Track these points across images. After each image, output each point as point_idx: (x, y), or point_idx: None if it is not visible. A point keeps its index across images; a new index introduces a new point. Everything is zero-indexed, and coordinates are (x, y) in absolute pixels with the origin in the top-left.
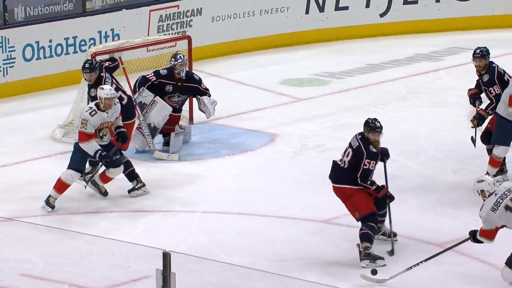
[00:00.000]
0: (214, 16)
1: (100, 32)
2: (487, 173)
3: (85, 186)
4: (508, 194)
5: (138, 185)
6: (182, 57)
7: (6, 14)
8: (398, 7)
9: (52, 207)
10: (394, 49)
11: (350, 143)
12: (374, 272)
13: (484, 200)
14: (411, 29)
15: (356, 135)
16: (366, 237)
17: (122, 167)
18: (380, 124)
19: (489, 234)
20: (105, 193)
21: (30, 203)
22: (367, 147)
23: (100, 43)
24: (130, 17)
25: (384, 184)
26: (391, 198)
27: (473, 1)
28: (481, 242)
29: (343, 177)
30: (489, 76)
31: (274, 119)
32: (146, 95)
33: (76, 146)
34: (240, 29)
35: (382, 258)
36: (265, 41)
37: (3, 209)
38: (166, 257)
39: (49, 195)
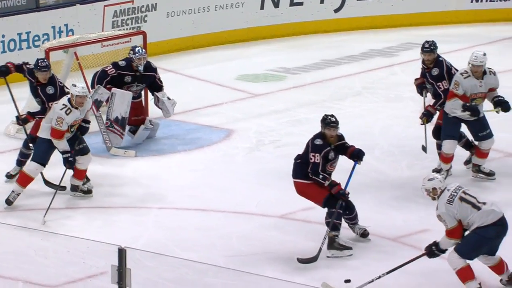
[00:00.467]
0: (169, 11)
1: (54, 27)
2: (437, 169)
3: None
4: (460, 189)
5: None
6: (140, 50)
7: None
8: (353, 2)
9: (10, 203)
10: (349, 45)
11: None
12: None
13: (434, 199)
14: (365, 24)
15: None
16: (331, 226)
17: (90, 155)
18: (335, 119)
19: (456, 232)
20: (88, 191)
21: None
22: (312, 141)
23: (54, 38)
24: (84, 12)
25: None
26: (343, 195)
27: None
28: (438, 255)
29: (296, 171)
30: (438, 70)
31: (230, 114)
32: (101, 93)
33: (41, 139)
34: (195, 24)
35: (350, 248)
36: (220, 37)
37: None
38: (121, 253)
39: (12, 190)
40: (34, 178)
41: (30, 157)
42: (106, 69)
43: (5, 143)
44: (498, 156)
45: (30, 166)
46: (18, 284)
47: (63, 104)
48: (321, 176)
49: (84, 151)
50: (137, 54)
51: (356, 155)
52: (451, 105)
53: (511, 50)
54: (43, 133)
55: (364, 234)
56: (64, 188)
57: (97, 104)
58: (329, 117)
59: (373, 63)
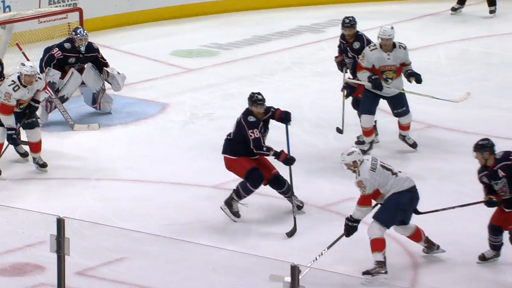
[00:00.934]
0: None
1: None
2: (360, 141)
3: None
4: (377, 159)
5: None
6: (81, 31)
7: None
8: None
9: None
10: (278, 22)
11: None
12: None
13: (354, 172)
14: (294, 2)
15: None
16: (236, 191)
17: (38, 130)
18: (262, 97)
19: (368, 200)
20: (43, 165)
21: None
22: (245, 119)
23: None
24: None
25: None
26: (291, 160)
27: None
28: (355, 227)
29: (226, 147)
30: (360, 44)
31: (165, 89)
32: (53, 74)
33: None
34: (130, 1)
35: (238, 216)
36: (155, 14)
37: None
38: (60, 223)
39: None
40: (3, 142)
41: None
42: (53, 53)
43: None
44: (420, 127)
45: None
46: None
47: (12, 81)
48: (264, 149)
49: (32, 125)
50: (78, 35)
51: (284, 118)
52: (359, 76)
53: (432, 26)
54: None
55: (299, 207)
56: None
57: (51, 85)
58: (256, 95)
59: (301, 39)
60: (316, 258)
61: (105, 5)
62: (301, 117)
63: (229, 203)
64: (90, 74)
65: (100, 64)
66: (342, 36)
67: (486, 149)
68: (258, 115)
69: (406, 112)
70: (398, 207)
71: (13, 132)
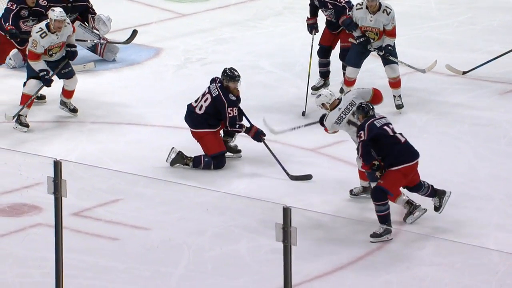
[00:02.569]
0: None
1: None
2: (342, 89)
3: (14, 117)
4: (351, 108)
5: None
6: None
7: None
8: None
9: (27, 125)
10: None
11: (209, 89)
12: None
13: (328, 112)
14: None
15: (215, 82)
16: (196, 160)
17: (76, 78)
18: (238, 74)
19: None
20: (74, 110)
21: None
22: (226, 96)
23: None
24: None
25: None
26: (262, 134)
27: None
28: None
29: (200, 122)
30: None
31: (158, 33)
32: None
33: (28, 63)
34: None
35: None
36: None
37: None
38: (57, 165)
39: (19, 114)
40: (34, 95)
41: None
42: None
43: None
44: (410, 71)
45: (28, 84)
46: None
47: (40, 28)
48: (237, 126)
49: (69, 74)
50: None
51: (255, 139)
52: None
53: None
54: None
55: (238, 151)
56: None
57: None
58: (233, 71)
59: None
60: (294, 128)
61: None
62: (293, 61)
63: (182, 163)
64: (79, 33)
65: (89, 13)
66: None
67: None
68: (234, 91)
69: (389, 61)
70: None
71: (45, 73)
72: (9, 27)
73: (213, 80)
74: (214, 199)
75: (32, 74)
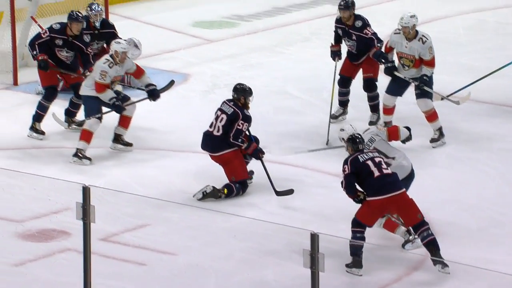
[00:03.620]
0: None
1: None
2: (373, 122)
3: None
4: (370, 144)
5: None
6: (96, 7)
7: None
8: None
9: (89, 158)
10: None
11: (221, 110)
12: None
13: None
14: None
15: (226, 102)
16: (230, 188)
17: (135, 104)
18: (250, 88)
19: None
20: (129, 144)
21: None
22: (242, 110)
23: None
24: None
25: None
26: (261, 151)
27: None
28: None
29: (220, 144)
30: (362, 22)
31: (186, 59)
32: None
33: (87, 97)
34: None
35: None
36: None
37: None
38: (85, 191)
39: (77, 149)
40: (94, 132)
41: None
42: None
43: None
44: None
45: (88, 122)
46: None
47: (106, 59)
48: (240, 140)
49: (126, 99)
50: (93, 11)
51: (252, 156)
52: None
53: None
54: (86, 90)
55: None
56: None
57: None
58: (245, 85)
59: (321, 11)
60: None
61: None
62: (320, 87)
63: (216, 197)
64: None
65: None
66: (339, 21)
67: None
68: (248, 106)
69: (420, 95)
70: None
71: (114, 100)
72: (40, 57)
73: (223, 104)
74: (240, 224)
75: (91, 112)
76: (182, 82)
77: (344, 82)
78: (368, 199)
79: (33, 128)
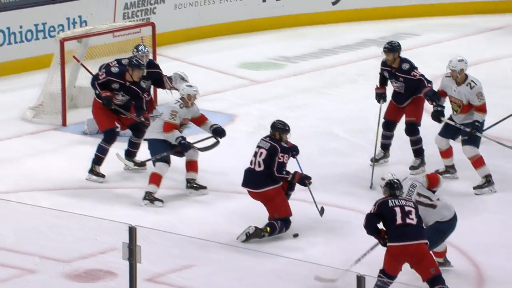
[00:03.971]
0: (177, 3)
1: (68, 18)
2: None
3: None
4: (413, 190)
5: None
6: (142, 48)
7: None
8: None
9: (161, 200)
10: (345, 35)
11: (259, 146)
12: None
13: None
14: (361, 16)
15: (263, 139)
16: (272, 227)
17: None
18: (289, 126)
19: None
20: (202, 187)
21: (2, 180)
22: (279, 143)
23: (69, 29)
24: (97, 4)
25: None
26: (307, 177)
27: None
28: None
29: (262, 180)
30: (409, 64)
31: (233, 100)
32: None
33: (154, 140)
34: (201, 15)
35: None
36: (224, 27)
37: None
38: (132, 231)
39: (149, 192)
40: (163, 175)
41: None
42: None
43: (22, 127)
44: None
45: (158, 166)
46: (34, 259)
47: (177, 100)
48: (284, 172)
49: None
50: (140, 52)
51: (295, 149)
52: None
53: (499, 40)
54: (152, 134)
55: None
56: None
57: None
58: (284, 124)
59: (368, 52)
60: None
61: (177, 19)
62: (366, 128)
63: (260, 236)
64: None
65: (161, 82)
66: (384, 63)
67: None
68: (283, 140)
69: (467, 141)
70: (440, 234)
71: (180, 139)
72: (103, 94)
73: (260, 141)
74: (287, 265)
75: (159, 156)
76: (228, 123)
77: (389, 125)
78: (388, 244)
79: (92, 171)
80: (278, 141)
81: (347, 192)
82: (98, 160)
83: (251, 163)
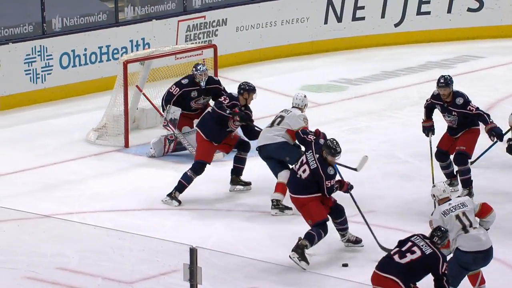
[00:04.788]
0: (238, 26)
1: (131, 41)
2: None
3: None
4: (461, 207)
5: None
6: (201, 67)
7: (44, 25)
8: (412, 17)
9: (290, 208)
10: (407, 57)
11: (307, 161)
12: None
13: (436, 205)
14: (424, 38)
15: (313, 152)
16: (309, 236)
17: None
18: (340, 149)
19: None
20: (287, 208)
21: (65, 201)
22: (325, 170)
23: (132, 51)
24: (160, 27)
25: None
26: (351, 187)
27: (483, 12)
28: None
29: (300, 188)
30: (463, 99)
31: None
32: (174, 111)
33: (283, 144)
34: (263, 38)
35: (307, 263)
36: (286, 50)
37: (41, 207)
38: (193, 252)
39: (276, 200)
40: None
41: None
42: (170, 90)
43: (86, 148)
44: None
45: (284, 176)
46: (97, 280)
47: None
48: (334, 190)
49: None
50: (199, 71)
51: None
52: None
53: None
54: (278, 138)
55: (357, 241)
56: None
57: (173, 122)
58: (336, 146)
59: (430, 75)
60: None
61: (238, 41)
62: (428, 152)
63: (298, 253)
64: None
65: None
66: (436, 97)
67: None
68: (332, 163)
69: None
70: (460, 266)
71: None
72: (236, 109)
73: (314, 144)
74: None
75: (290, 159)
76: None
77: (441, 156)
78: None
79: (171, 196)
80: (325, 162)
81: (411, 219)
82: (181, 187)
83: (295, 165)
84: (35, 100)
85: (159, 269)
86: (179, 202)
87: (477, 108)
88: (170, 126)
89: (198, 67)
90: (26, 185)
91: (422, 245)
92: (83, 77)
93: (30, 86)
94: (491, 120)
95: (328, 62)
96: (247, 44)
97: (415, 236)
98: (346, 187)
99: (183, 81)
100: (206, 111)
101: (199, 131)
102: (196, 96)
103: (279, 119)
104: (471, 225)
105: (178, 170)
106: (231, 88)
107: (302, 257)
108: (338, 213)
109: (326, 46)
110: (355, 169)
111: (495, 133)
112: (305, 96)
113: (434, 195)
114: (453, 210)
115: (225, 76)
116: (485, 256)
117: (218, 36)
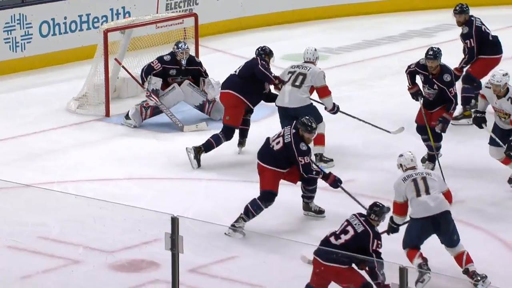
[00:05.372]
0: None
1: (112, 9)
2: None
3: None
4: (423, 174)
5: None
6: (182, 45)
7: None
8: None
9: (331, 160)
10: (389, 26)
11: (283, 134)
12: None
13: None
14: (405, 7)
15: (290, 127)
16: (245, 209)
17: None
18: (316, 125)
19: (397, 209)
20: (330, 160)
21: (47, 170)
22: (297, 146)
23: (112, 20)
24: None
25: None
26: (340, 181)
27: None
28: (395, 229)
29: (267, 158)
30: (450, 77)
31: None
32: (155, 82)
33: (312, 107)
34: (243, 7)
35: (243, 234)
36: (267, 18)
37: (22, 176)
38: (174, 221)
39: (319, 154)
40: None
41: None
42: (153, 64)
43: (67, 118)
44: None
45: (321, 126)
46: (79, 249)
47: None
48: (314, 172)
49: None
50: (179, 49)
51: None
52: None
53: None
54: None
55: (320, 211)
56: None
57: (155, 92)
58: (311, 123)
59: (411, 44)
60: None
61: (219, 10)
62: (410, 120)
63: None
64: (187, 92)
65: (202, 76)
66: (422, 67)
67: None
68: (307, 141)
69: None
70: (410, 231)
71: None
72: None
73: (290, 127)
74: None
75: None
76: (271, 114)
77: (420, 130)
78: None
79: (195, 150)
80: (299, 138)
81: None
82: (208, 146)
83: (273, 137)
84: (15, 69)
85: (141, 238)
86: (199, 162)
87: (455, 95)
88: (153, 96)
89: (180, 45)
90: (6, 154)
91: (355, 224)
92: (63, 46)
93: (10, 55)
94: (452, 112)
95: (310, 31)
96: (228, 13)
97: (352, 215)
98: (332, 179)
99: (165, 58)
100: (233, 74)
101: (234, 93)
102: (174, 75)
103: (301, 76)
104: (427, 191)
105: (160, 139)
106: (212, 57)
107: (234, 229)
108: (310, 180)
109: (307, 15)
110: (388, 131)
111: (441, 123)
112: (315, 49)
113: (401, 164)
114: (413, 176)
115: (206, 45)
116: (434, 222)
117: (199, 4)
